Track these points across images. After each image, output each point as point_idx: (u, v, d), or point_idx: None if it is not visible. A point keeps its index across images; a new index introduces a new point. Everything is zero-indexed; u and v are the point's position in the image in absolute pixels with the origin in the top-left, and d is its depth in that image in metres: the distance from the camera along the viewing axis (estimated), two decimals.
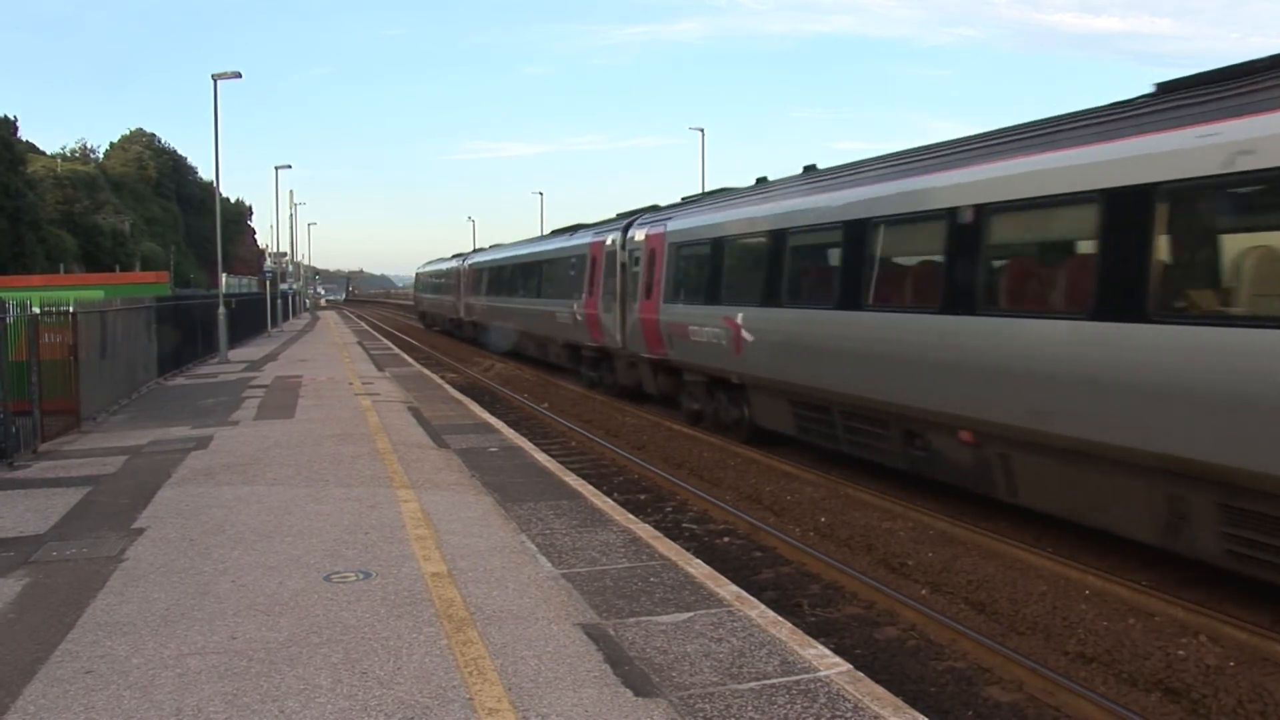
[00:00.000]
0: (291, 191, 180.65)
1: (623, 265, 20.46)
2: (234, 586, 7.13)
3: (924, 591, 9.01)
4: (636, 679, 5.49)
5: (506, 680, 5.44)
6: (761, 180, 16.56)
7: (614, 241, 21.15)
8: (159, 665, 5.67)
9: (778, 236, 13.93)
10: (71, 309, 14.70)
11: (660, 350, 18.11)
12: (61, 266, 65.17)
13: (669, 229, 18.21)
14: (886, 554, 9.99)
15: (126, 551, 8.06)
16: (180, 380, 23.13)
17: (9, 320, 12.52)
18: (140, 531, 8.69)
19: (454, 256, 51.23)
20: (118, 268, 73.95)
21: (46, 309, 14.15)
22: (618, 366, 21.54)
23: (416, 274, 71.38)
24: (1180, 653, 7.20)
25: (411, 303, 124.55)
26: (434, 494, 10.28)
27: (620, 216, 22.80)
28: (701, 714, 5.07)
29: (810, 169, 14.78)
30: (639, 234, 19.75)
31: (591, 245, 22.91)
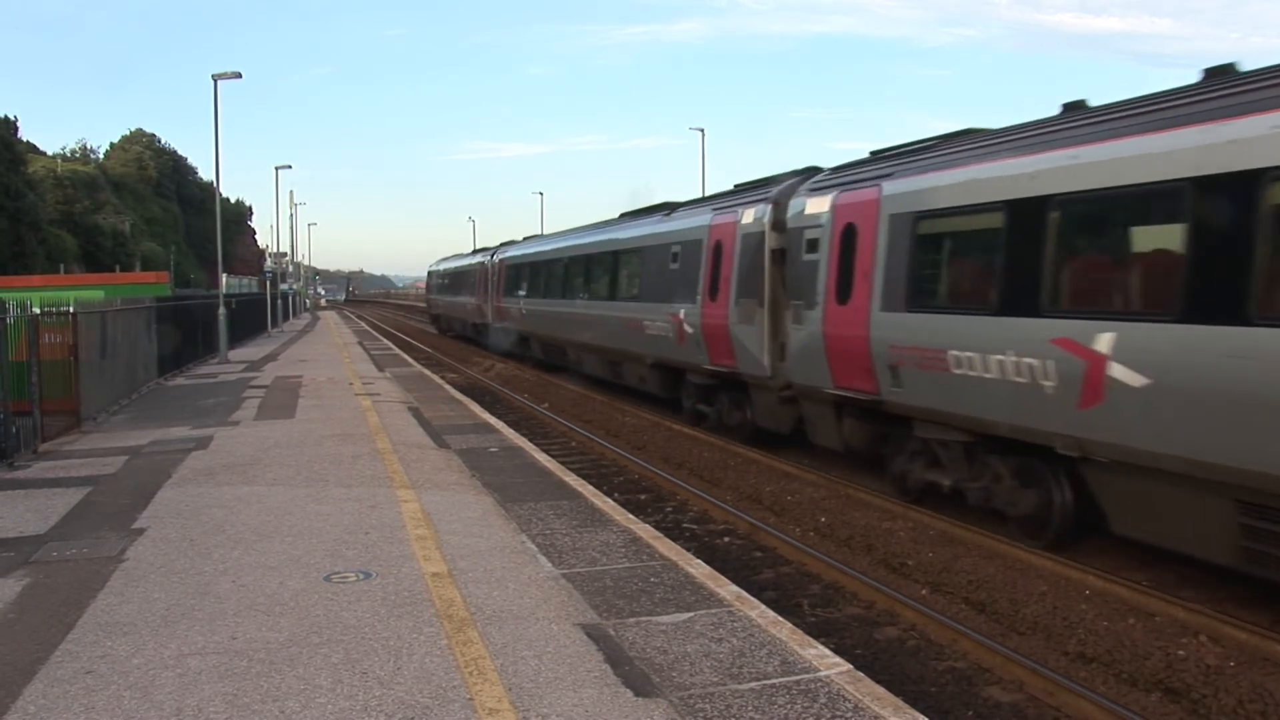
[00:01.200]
0: (292, 191, 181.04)
1: (775, 253, 14.25)
2: (234, 587, 7.13)
3: (924, 591, 9.02)
4: (637, 679, 5.49)
5: (507, 680, 5.44)
6: (1074, 105, 9.77)
7: (757, 218, 14.77)
8: (159, 665, 5.67)
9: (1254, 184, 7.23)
10: (71, 309, 14.70)
11: (864, 384, 11.75)
12: (62, 267, 65.17)
13: (887, 192, 11.61)
14: (887, 554, 9.99)
15: (127, 552, 8.06)
16: (180, 380, 23.13)
17: (9, 320, 12.53)
18: (140, 532, 8.69)
19: (478, 251, 44.02)
20: (118, 268, 73.96)
21: (47, 309, 14.15)
22: (758, 401, 15.18)
23: (429, 272, 60.88)
24: (1180, 653, 7.21)
25: (410, 303, 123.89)
26: (434, 494, 10.28)
27: (748, 186, 16.50)
28: (701, 714, 5.07)
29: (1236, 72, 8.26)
30: (815, 204, 13.14)
31: (712, 227, 16.31)
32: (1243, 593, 8.28)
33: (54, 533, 8.73)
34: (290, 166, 72.20)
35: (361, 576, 7.35)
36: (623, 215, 23.37)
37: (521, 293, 30.33)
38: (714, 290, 15.94)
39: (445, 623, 6.35)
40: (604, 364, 22.51)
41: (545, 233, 33.41)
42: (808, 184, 13.89)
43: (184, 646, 5.96)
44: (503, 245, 37.08)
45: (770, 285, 14.28)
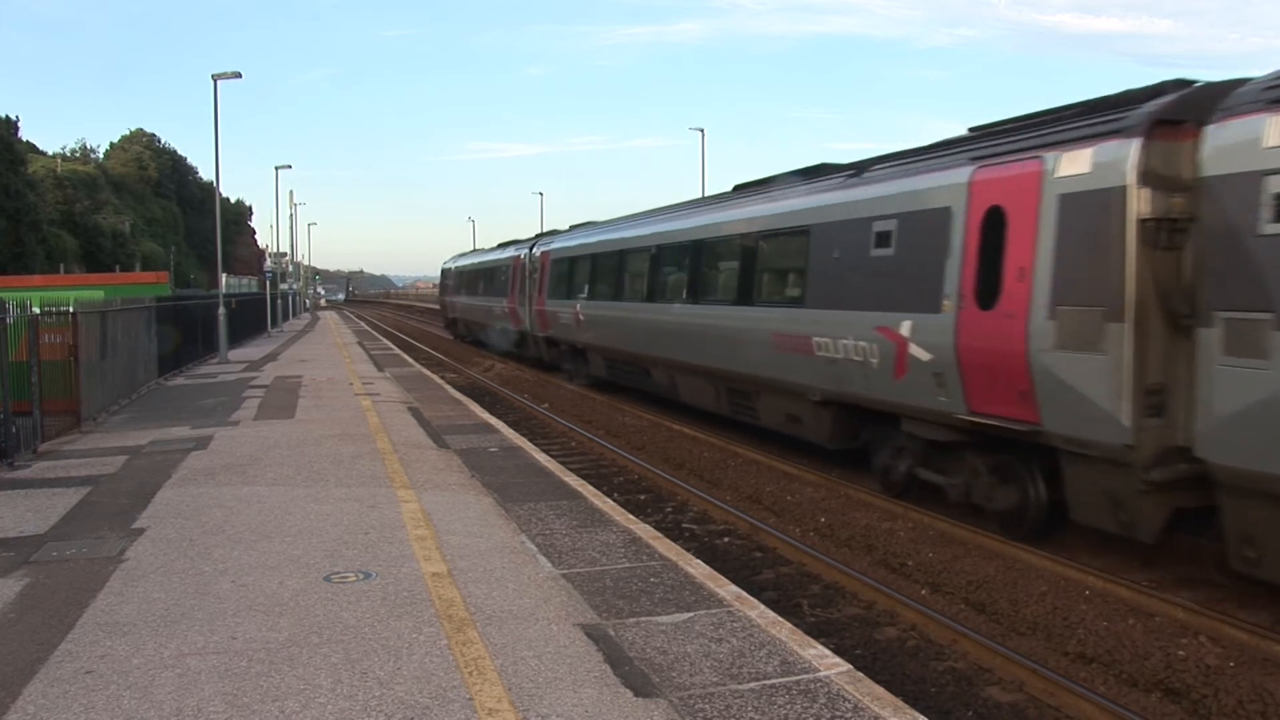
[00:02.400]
0: (291, 192, 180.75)
1: (1151, 225, 8.36)
2: (234, 586, 7.13)
3: (924, 592, 9.02)
4: (636, 679, 5.49)
5: (507, 680, 5.44)
6: None
7: (1103, 165, 8.70)
8: (159, 665, 5.67)
9: None
10: (71, 309, 14.71)
11: None
12: (62, 267, 65.19)
13: None
14: (886, 554, 9.99)
15: (126, 552, 8.06)
16: (180, 380, 23.13)
17: (9, 321, 12.53)
18: (140, 532, 8.69)
19: (509, 244, 36.39)
20: (118, 268, 74.02)
21: (47, 309, 14.16)
22: (1083, 482, 9.08)
23: (443, 269, 53.20)
24: (1180, 653, 7.21)
25: (410, 303, 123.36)
26: (434, 494, 10.28)
27: (1038, 119, 10.12)
28: (701, 714, 5.07)
29: None
30: None
31: (976, 184, 10.12)
32: (1243, 593, 8.28)
33: (54, 533, 8.73)
34: (290, 166, 72.49)
35: (361, 576, 7.35)
36: (740, 187, 16.93)
37: (577, 293, 23.99)
38: (987, 290, 9.81)
39: (445, 623, 6.35)
40: (720, 394, 16.16)
41: (602, 220, 25.96)
42: (1248, 92, 7.85)
43: (184, 646, 5.96)
44: (541, 236, 31.24)
45: (1139, 282, 8.38)
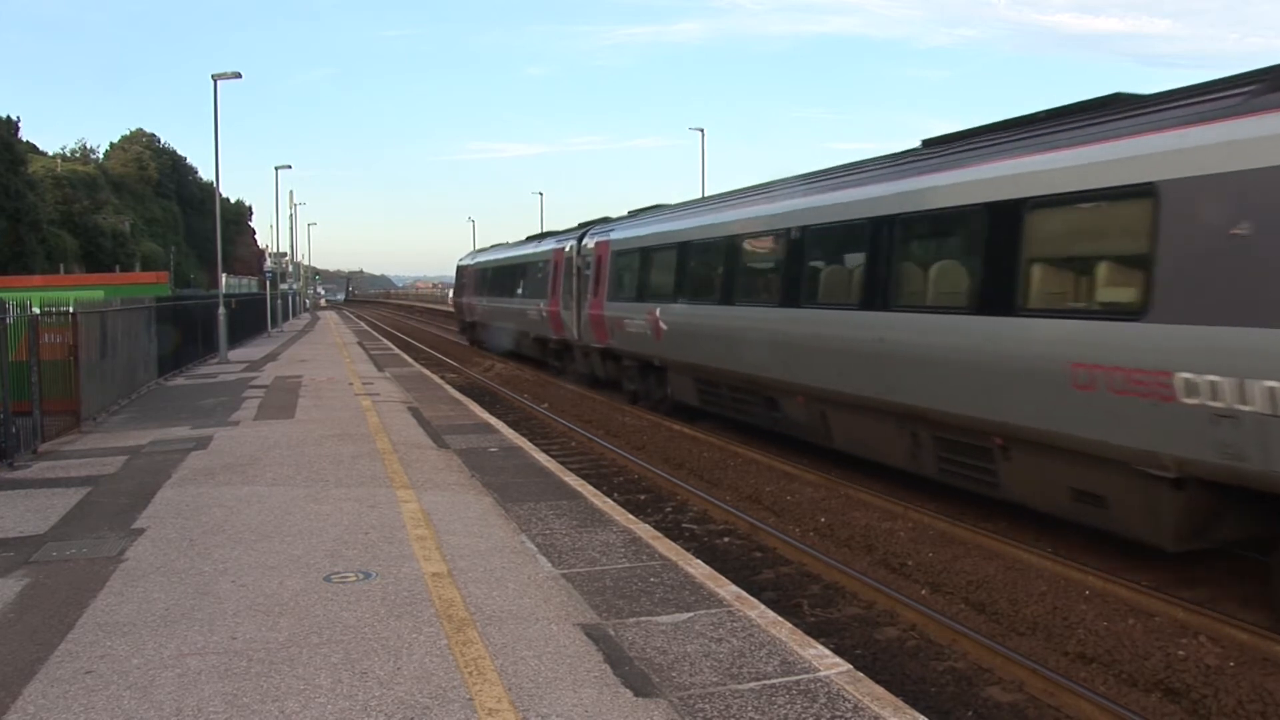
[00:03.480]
0: (291, 192, 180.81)
1: None
2: (234, 587, 7.13)
3: (924, 592, 9.01)
4: (636, 679, 5.48)
5: (506, 680, 5.44)
6: None
7: None
8: (159, 665, 5.67)
9: None
10: (71, 309, 14.71)
11: None
12: (62, 267, 65.17)
13: None
14: (886, 554, 9.99)
15: (126, 552, 8.06)
16: (180, 380, 23.14)
17: (9, 321, 12.53)
18: (140, 532, 8.69)
19: (545, 235, 31.31)
20: (118, 268, 73.99)
21: (46, 309, 14.16)
22: None
23: (459, 267, 46.95)
24: (1180, 653, 7.21)
25: (410, 303, 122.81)
26: (434, 494, 10.28)
27: None
28: (701, 714, 5.07)
29: None
30: None
31: None
32: (1243, 593, 8.28)
33: (54, 533, 8.73)
34: (290, 166, 72.58)
35: (361, 576, 7.35)
36: (932, 142, 11.95)
37: (654, 294, 19.00)
38: None
39: (445, 623, 6.35)
40: (922, 445, 11.16)
41: (672, 203, 21.29)
42: None
43: (183, 646, 5.96)
44: (590, 226, 25.16)
45: None
